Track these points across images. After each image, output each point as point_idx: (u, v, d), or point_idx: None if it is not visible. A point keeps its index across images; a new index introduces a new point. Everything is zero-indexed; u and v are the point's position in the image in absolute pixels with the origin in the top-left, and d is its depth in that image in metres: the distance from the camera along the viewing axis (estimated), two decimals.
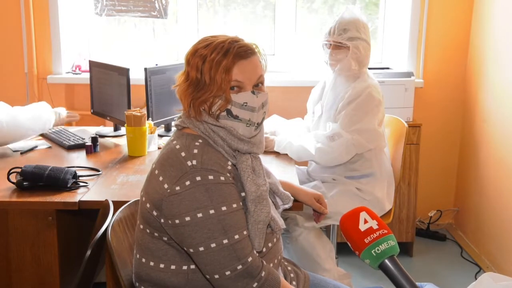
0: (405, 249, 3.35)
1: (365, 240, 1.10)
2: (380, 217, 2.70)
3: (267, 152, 2.49)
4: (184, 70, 1.48)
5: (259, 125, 1.48)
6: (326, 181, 2.52)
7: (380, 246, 1.09)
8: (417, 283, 1.11)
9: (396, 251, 1.10)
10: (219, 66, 1.39)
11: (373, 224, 1.12)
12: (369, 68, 2.57)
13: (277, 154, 2.53)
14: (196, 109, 1.44)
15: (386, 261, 1.09)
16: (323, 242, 2.48)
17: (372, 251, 1.09)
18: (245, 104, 1.42)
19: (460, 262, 3.30)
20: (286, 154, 2.49)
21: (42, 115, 2.66)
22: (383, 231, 1.11)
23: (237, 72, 1.41)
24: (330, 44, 2.47)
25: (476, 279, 3.22)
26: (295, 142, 2.46)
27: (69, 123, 3.07)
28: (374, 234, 1.10)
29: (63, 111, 2.91)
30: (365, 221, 1.12)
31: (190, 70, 1.44)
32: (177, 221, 1.36)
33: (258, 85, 1.46)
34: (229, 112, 1.43)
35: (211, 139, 1.44)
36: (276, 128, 2.70)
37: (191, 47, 1.47)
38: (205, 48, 1.42)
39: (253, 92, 1.43)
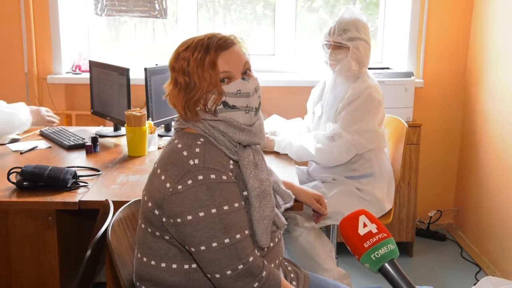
0: (405, 249, 3.35)
1: (364, 244, 1.09)
2: (380, 217, 2.65)
3: (267, 152, 2.49)
4: (170, 78, 1.49)
5: (257, 110, 1.49)
6: (326, 181, 2.52)
7: (380, 250, 1.09)
8: (417, 287, 1.10)
9: (396, 254, 1.10)
10: (204, 63, 1.40)
11: (372, 228, 1.11)
12: (369, 68, 2.56)
13: (277, 154, 2.53)
14: (191, 110, 1.44)
15: (386, 265, 1.09)
16: (323, 242, 2.48)
17: (372, 256, 1.09)
18: (239, 91, 1.43)
19: (460, 262, 3.30)
20: (286, 154, 2.49)
21: (13, 119, 2.55)
22: (382, 234, 1.10)
23: (223, 64, 1.42)
24: (330, 44, 2.46)
25: (476, 279, 3.22)
26: (295, 142, 2.45)
27: (51, 125, 2.83)
28: (374, 238, 1.10)
29: (43, 111, 2.76)
30: (364, 225, 1.11)
31: (177, 76, 1.45)
32: (179, 220, 1.36)
33: (246, 72, 1.47)
34: (225, 104, 1.43)
35: (212, 136, 1.44)
36: (276, 128, 2.70)
37: (172, 53, 1.48)
38: (186, 50, 1.44)
39: (243, 79, 1.45)
